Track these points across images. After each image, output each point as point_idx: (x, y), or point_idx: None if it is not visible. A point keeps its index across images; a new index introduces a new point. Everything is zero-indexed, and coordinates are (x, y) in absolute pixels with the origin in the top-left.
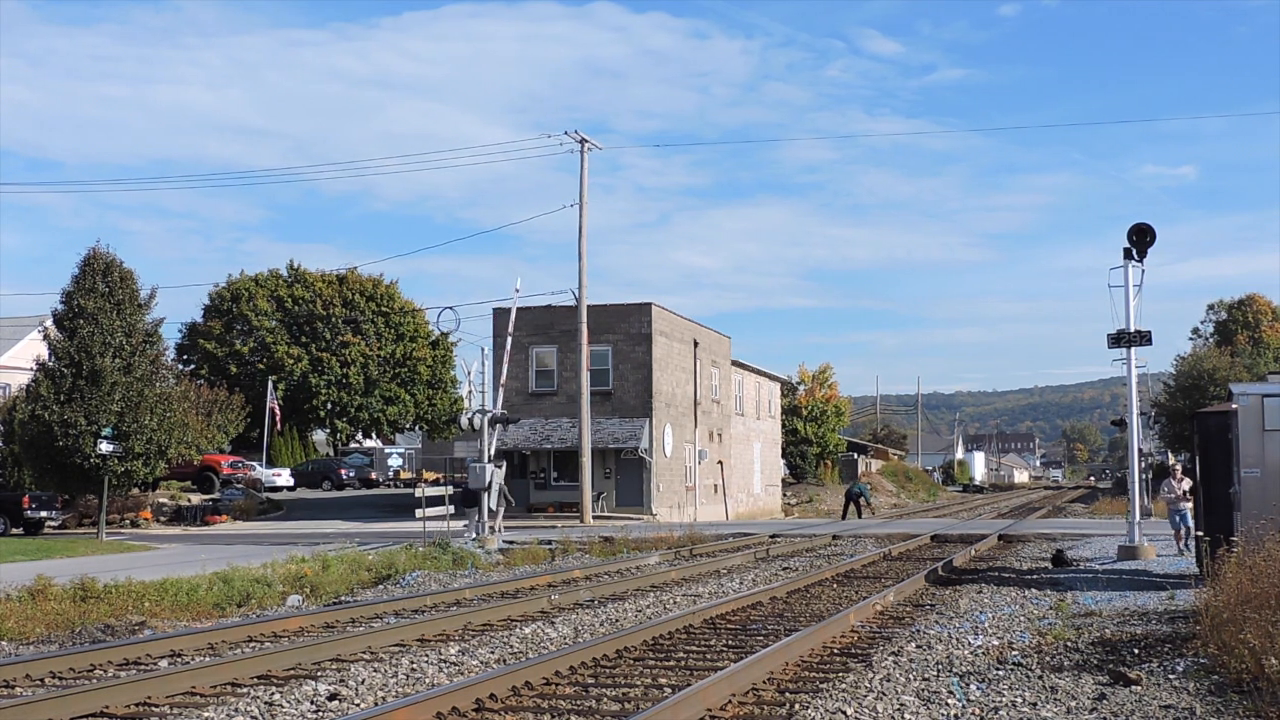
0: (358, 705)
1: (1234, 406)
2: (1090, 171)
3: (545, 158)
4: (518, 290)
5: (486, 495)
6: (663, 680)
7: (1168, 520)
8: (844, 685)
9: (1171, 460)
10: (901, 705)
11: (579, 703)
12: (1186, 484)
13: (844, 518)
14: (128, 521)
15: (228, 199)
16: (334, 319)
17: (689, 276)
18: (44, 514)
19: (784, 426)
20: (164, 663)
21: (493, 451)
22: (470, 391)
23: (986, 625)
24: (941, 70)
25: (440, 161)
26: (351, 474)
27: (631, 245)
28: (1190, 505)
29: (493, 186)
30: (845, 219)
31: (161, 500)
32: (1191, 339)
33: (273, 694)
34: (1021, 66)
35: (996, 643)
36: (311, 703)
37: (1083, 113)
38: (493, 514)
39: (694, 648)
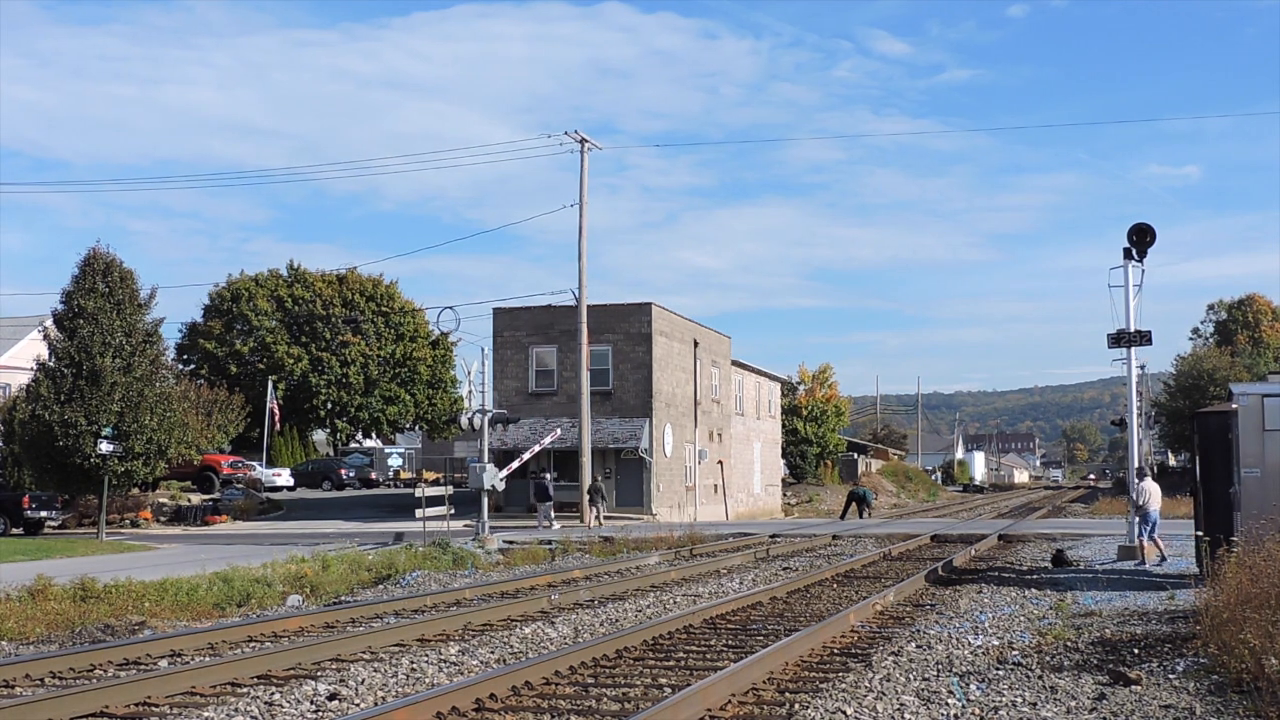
0: (358, 705)
1: (1234, 406)
2: (1095, 171)
3: (550, 157)
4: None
5: (484, 495)
6: (663, 680)
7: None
8: (844, 685)
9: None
10: (901, 705)
11: (579, 703)
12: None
13: (843, 517)
14: (128, 521)
15: (233, 199)
16: (334, 319)
17: (694, 276)
18: (44, 514)
19: (784, 426)
20: (164, 663)
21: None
22: (470, 391)
23: (986, 625)
24: (949, 70)
25: (444, 162)
26: (351, 474)
27: (637, 245)
28: (1157, 510)
29: (498, 186)
30: (851, 219)
31: (161, 500)
32: (1191, 339)
33: (273, 694)
34: (1029, 67)
35: (996, 643)
36: (311, 703)
37: (1089, 113)
38: (592, 508)
39: (694, 648)
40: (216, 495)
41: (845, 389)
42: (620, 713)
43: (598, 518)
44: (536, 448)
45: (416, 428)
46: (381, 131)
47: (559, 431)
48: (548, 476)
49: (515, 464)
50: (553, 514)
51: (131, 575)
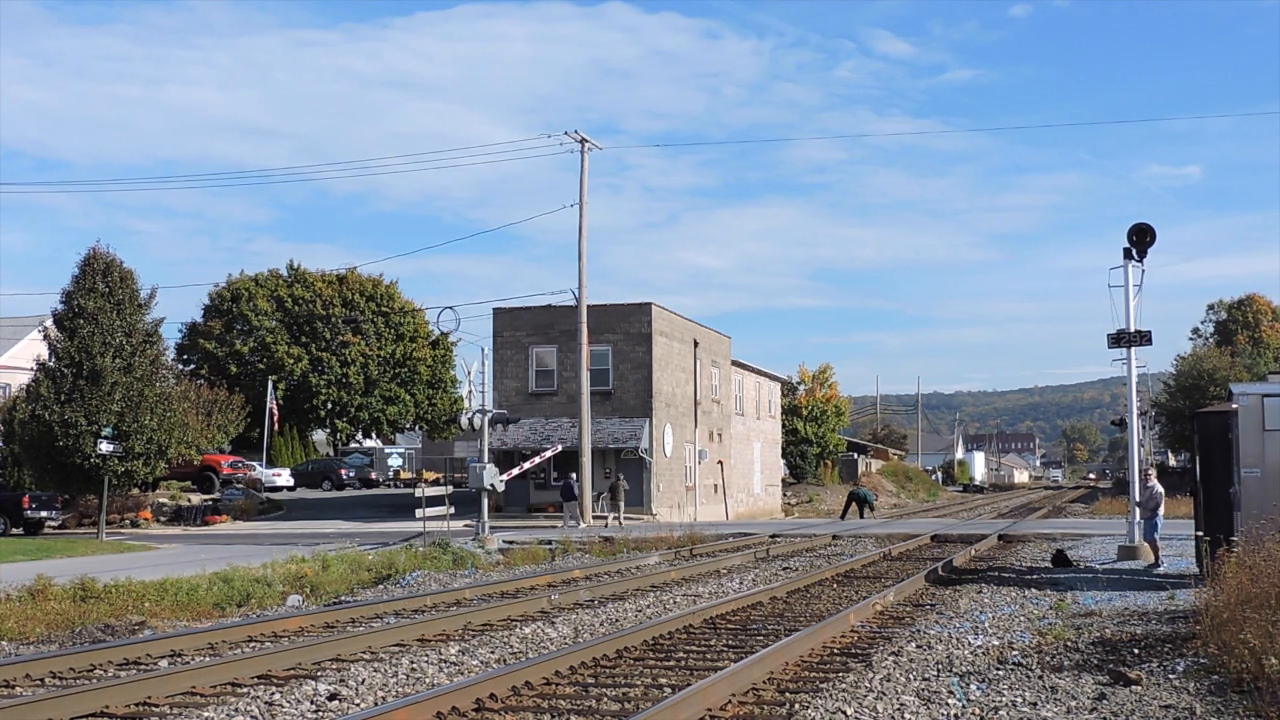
0: (358, 705)
1: (1234, 406)
2: (1096, 171)
3: (552, 157)
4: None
5: (484, 495)
6: (663, 680)
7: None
8: (844, 685)
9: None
10: (901, 705)
11: (579, 703)
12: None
13: (843, 517)
14: (128, 521)
15: (235, 199)
16: (334, 319)
17: (695, 276)
18: (44, 514)
19: (784, 426)
20: (164, 663)
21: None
22: (470, 391)
23: (986, 625)
24: (951, 71)
25: (445, 162)
26: (351, 474)
27: (638, 245)
28: (1161, 511)
29: (500, 186)
30: (852, 219)
31: (161, 500)
32: (1191, 339)
33: (273, 694)
34: (1031, 67)
35: (996, 643)
36: (311, 703)
37: (1090, 113)
38: (613, 507)
39: (694, 648)
40: (216, 495)
41: (845, 389)
42: (620, 713)
43: (601, 517)
44: (538, 458)
45: (416, 428)
46: (383, 131)
47: (560, 447)
48: (573, 476)
49: (516, 470)
50: (578, 512)
51: (131, 575)
